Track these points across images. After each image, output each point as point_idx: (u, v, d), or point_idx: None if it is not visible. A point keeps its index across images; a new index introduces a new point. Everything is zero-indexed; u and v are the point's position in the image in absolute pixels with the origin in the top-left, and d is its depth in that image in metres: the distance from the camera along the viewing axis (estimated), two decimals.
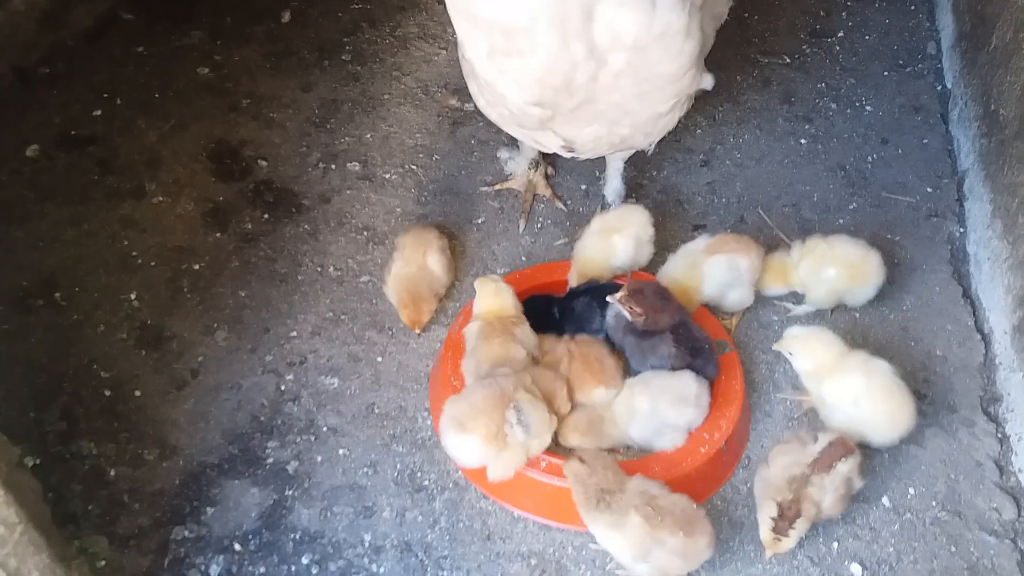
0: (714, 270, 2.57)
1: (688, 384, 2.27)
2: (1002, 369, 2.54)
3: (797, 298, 2.70)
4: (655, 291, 2.40)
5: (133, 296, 2.72)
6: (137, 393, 2.49)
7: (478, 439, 2.14)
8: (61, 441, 2.37)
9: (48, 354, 2.55)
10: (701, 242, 2.64)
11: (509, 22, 1.99)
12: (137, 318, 2.67)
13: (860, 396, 2.30)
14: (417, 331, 2.61)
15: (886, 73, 3.55)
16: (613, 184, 2.92)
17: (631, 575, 2.09)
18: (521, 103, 2.20)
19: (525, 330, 2.41)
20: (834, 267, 2.59)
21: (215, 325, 2.66)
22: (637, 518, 2.00)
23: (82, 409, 2.44)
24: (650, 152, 2.73)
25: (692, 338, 2.38)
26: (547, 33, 2.00)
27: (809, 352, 2.41)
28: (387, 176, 3.12)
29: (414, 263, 2.66)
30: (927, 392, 2.54)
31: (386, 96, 3.43)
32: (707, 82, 2.41)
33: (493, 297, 2.44)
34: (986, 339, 2.66)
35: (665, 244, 2.79)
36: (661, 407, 2.25)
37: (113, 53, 3.51)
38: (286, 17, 3.74)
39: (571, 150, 2.51)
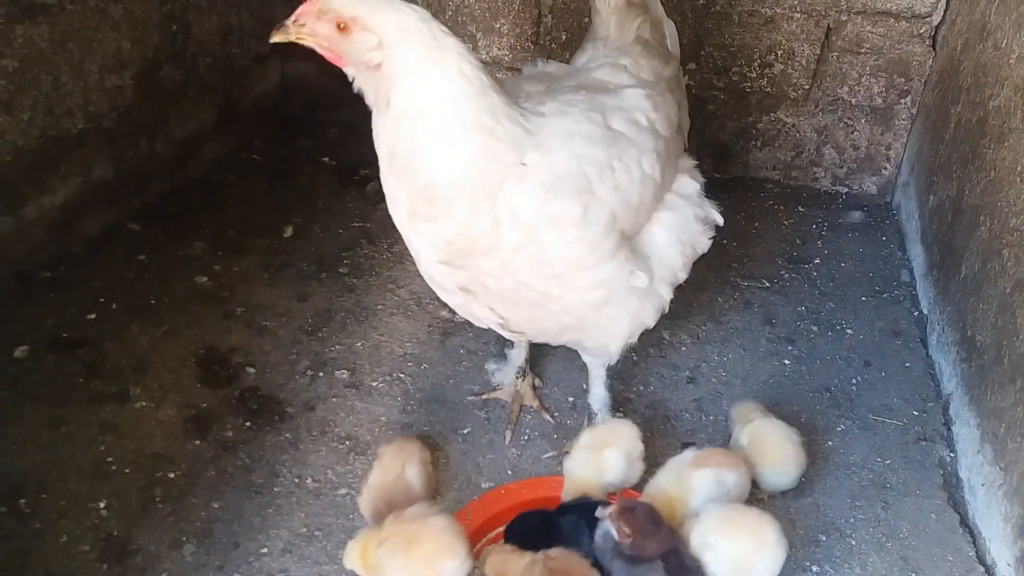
0: (701, 484, 2.51)
1: None
2: None
3: None
4: (646, 513, 2.32)
5: (102, 504, 2.62)
6: None
7: None
8: None
9: (1, 566, 2.41)
10: (688, 455, 2.60)
11: (436, 187, 2.14)
12: (103, 528, 2.55)
13: None
14: None
15: (864, 298, 3.66)
16: (596, 392, 2.91)
17: None
18: (431, 260, 2.31)
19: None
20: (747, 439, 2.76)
21: (184, 539, 2.54)
22: None
23: None
24: (614, 360, 2.73)
25: (684, 567, 2.27)
26: (462, 203, 2.14)
27: None
28: (374, 384, 3.12)
29: (392, 472, 2.59)
30: None
31: (379, 307, 3.50)
32: (640, 280, 2.43)
33: (357, 547, 2.35)
34: (989, 571, 2.55)
35: (654, 460, 2.74)
36: None
37: (116, 260, 3.63)
38: (288, 232, 3.90)
39: (510, 329, 2.54)
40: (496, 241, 2.20)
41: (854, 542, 2.63)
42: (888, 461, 2.91)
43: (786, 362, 3.32)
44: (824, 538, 2.64)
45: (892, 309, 3.60)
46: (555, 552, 2.30)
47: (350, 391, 3.10)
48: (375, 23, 2.07)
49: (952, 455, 2.93)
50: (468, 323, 3.34)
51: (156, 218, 3.89)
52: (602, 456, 2.60)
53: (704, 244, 2.68)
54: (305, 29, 2.11)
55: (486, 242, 2.20)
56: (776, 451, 2.73)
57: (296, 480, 2.74)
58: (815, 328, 3.49)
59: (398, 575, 2.25)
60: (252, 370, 3.15)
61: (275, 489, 2.71)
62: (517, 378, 3.07)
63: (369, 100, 2.19)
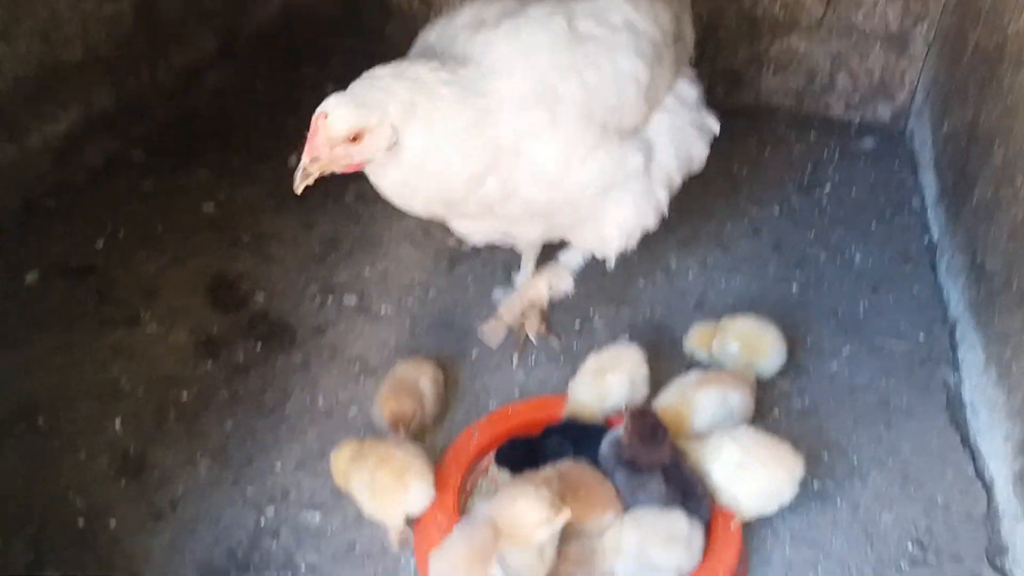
0: (705, 403, 2.54)
1: (679, 523, 2.19)
2: (1006, 519, 2.46)
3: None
4: (653, 425, 2.35)
5: (117, 424, 2.67)
6: (112, 523, 2.39)
7: None
8: (27, 572, 2.25)
9: (23, 481, 2.47)
10: (693, 375, 2.63)
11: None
12: (120, 446, 2.60)
13: None
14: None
15: (873, 225, 3.64)
16: (574, 256, 2.93)
17: None
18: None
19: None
20: (737, 342, 2.83)
21: (198, 455, 2.59)
22: None
23: (52, 539, 2.34)
24: (612, 261, 2.78)
25: (684, 479, 2.31)
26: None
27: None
28: (382, 309, 3.14)
29: (407, 382, 2.66)
30: (930, 541, 2.45)
31: (386, 235, 3.50)
32: (634, 161, 2.54)
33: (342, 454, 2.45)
34: (988, 487, 2.59)
35: (659, 385, 2.77)
36: (649, 546, 2.15)
37: (120, 189, 3.62)
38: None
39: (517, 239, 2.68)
40: (501, 184, 2.31)
41: (856, 460, 2.67)
42: (893, 383, 2.93)
43: (793, 287, 3.32)
44: (827, 456, 2.68)
45: (902, 235, 3.58)
46: (567, 465, 2.34)
47: (359, 316, 3.12)
48: (385, 118, 2.14)
49: (957, 378, 2.95)
50: (476, 251, 3.36)
51: (159, 147, 3.87)
52: (606, 380, 2.63)
53: (701, 152, 2.73)
54: (323, 163, 2.16)
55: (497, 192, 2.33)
56: (765, 337, 2.86)
57: (308, 400, 2.78)
58: (823, 254, 3.48)
59: (363, 490, 2.34)
60: (261, 296, 3.17)
61: (287, 409, 2.75)
62: (524, 302, 3.08)
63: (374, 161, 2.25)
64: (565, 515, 2.10)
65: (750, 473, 2.33)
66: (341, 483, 2.43)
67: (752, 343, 2.85)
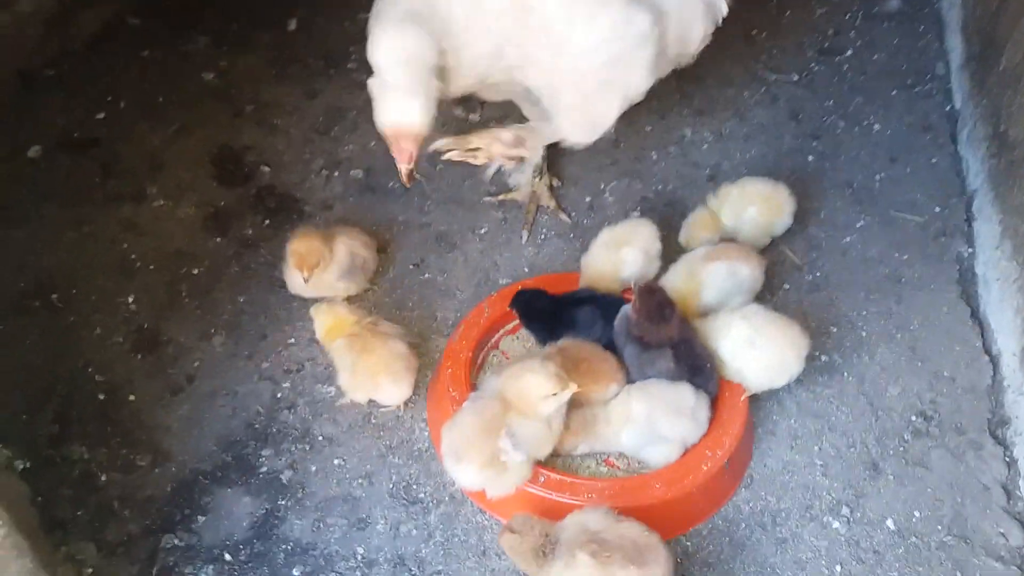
0: (713, 278, 2.53)
1: (686, 396, 2.23)
2: (1010, 391, 2.50)
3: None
4: (661, 301, 2.36)
5: (131, 300, 2.69)
6: (131, 398, 2.45)
7: (474, 467, 2.11)
8: (52, 445, 2.33)
9: (43, 356, 2.52)
10: (701, 250, 2.62)
11: None
12: (134, 322, 2.64)
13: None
14: (305, 274, 2.55)
15: (895, 92, 3.52)
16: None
17: None
18: None
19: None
20: (753, 205, 2.78)
21: (212, 330, 2.63)
22: (584, 557, 1.91)
23: (75, 412, 2.41)
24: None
25: (693, 355, 2.34)
26: None
27: None
28: (390, 184, 3.10)
29: (323, 234, 2.67)
30: (934, 413, 2.50)
31: None
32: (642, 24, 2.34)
33: (328, 315, 2.49)
34: (994, 361, 2.61)
35: (672, 259, 2.76)
36: (656, 416, 2.21)
37: (118, 57, 3.51)
38: (292, 25, 3.73)
39: None
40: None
41: (864, 333, 2.69)
42: (905, 256, 2.91)
43: (809, 158, 3.24)
44: (835, 329, 2.70)
45: (923, 103, 3.46)
46: (567, 342, 2.36)
47: (366, 191, 3.08)
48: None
49: (970, 251, 2.93)
50: (484, 123, 3.27)
51: (155, 12, 3.71)
52: (620, 254, 2.61)
53: (699, 33, 2.55)
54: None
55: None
56: (779, 195, 2.83)
57: None
58: (842, 123, 3.38)
59: (344, 374, 2.40)
60: (267, 169, 3.13)
61: None
62: (534, 178, 3.03)
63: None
64: (571, 388, 2.13)
65: (759, 351, 2.35)
66: (321, 339, 2.50)
67: (770, 203, 2.81)
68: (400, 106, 2.16)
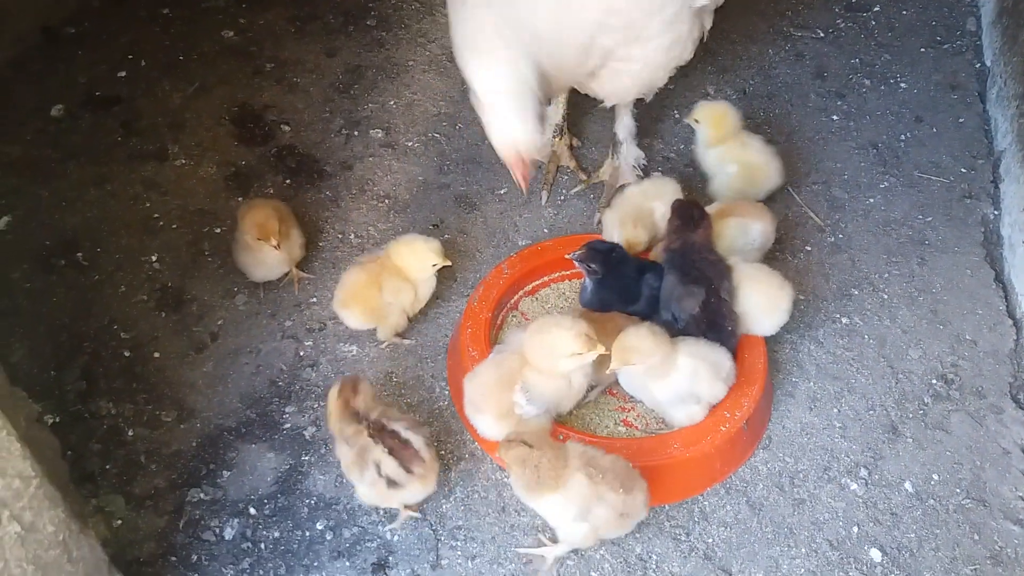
0: (725, 233, 2.52)
1: (724, 360, 2.24)
2: None
3: None
4: (693, 207, 2.46)
5: (154, 258, 2.72)
6: (156, 355, 2.49)
7: (491, 418, 2.17)
8: (80, 400, 2.38)
9: (69, 313, 2.56)
10: (714, 206, 2.61)
11: None
12: (158, 280, 2.67)
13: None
14: (274, 242, 2.52)
15: (923, 49, 3.45)
16: (624, 121, 2.90)
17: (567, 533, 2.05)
18: None
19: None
20: (736, 165, 2.77)
21: (235, 289, 2.65)
22: (580, 476, 1.97)
23: (102, 369, 2.45)
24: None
25: (718, 312, 2.33)
26: None
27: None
28: (409, 144, 3.09)
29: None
30: (955, 377, 2.49)
31: (411, 63, 3.38)
32: None
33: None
34: (1017, 325, 2.59)
35: None
36: (699, 375, 2.21)
37: (139, 14, 3.50)
38: None
39: None
40: None
41: (886, 296, 2.67)
42: (929, 218, 2.88)
43: (834, 117, 3.20)
44: (856, 292, 2.68)
45: (952, 61, 3.39)
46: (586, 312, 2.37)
47: (386, 151, 3.08)
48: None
49: (996, 213, 2.89)
50: None
51: None
52: (652, 205, 2.62)
53: None
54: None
55: None
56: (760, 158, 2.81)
57: (340, 235, 2.80)
58: (868, 81, 3.32)
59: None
60: (287, 128, 3.13)
61: (320, 244, 2.78)
62: (554, 137, 3.01)
63: None
64: (598, 351, 2.14)
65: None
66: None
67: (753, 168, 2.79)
68: (512, 128, 2.25)
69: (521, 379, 2.17)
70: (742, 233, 2.55)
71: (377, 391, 2.42)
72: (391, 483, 2.04)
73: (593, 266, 2.36)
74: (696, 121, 2.81)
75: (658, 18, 2.33)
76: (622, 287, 2.40)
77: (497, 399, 2.16)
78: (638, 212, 2.61)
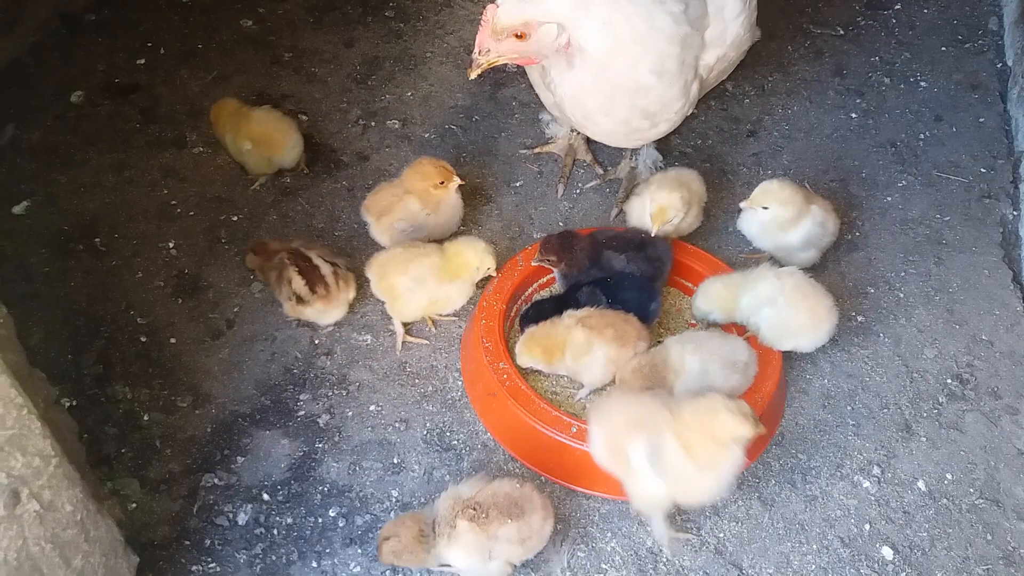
0: (807, 220, 2.54)
1: (739, 350, 2.24)
2: None
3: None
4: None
5: (171, 244, 2.73)
6: (172, 340, 2.51)
7: (605, 449, 2.04)
8: (97, 384, 2.39)
9: (87, 298, 2.58)
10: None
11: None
12: (175, 266, 2.68)
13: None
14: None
15: (944, 48, 3.43)
16: (648, 152, 2.91)
17: None
18: None
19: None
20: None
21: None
22: (463, 523, 1.95)
23: (118, 354, 2.46)
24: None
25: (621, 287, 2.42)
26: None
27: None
28: (426, 135, 3.09)
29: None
30: (970, 377, 2.48)
31: (428, 54, 3.39)
32: None
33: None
34: None
35: (709, 213, 2.75)
36: (711, 368, 2.21)
37: (158, 2, 3.52)
38: None
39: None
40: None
41: (902, 295, 2.66)
42: (947, 218, 2.87)
43: (853, 115, 3.19)
44: (872, 290, 2.67)
45: (973, 60, 3.37)
46: (585, 312, 2.34)
47: (402, 142, 3.08)
48: (548, 15, 2.24)
49: (1015, 213, 2.87)
50: (520, 73, 3.24)
51: None
52: (674, 196, 2.57)
53: None
54: (492, 55, 2.31)
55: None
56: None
57: (355, 226, 2.81)
58: (887, 80, 3.31)
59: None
60: (304, 118, 3.14)
61: (336, 233, 2.79)
62: (572, 131, 3.01)
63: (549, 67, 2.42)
64: (760, 430, 1.95)
65: (778, 310, 2.35)
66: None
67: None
68: None
69: (651, 438, 1.98)
70: (819, 225, 2.55)
71: (391, 379, 2.45)
72: (299, 300, 2.43)
73: (551, 257, 2.45)
74: (765, 208, 2.55)
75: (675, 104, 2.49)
76: (586, 265, 2.46)
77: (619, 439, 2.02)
78: (678, 179, 2.61)
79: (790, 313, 2.34)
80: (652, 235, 2.50)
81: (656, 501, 2.02)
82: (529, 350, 2.31)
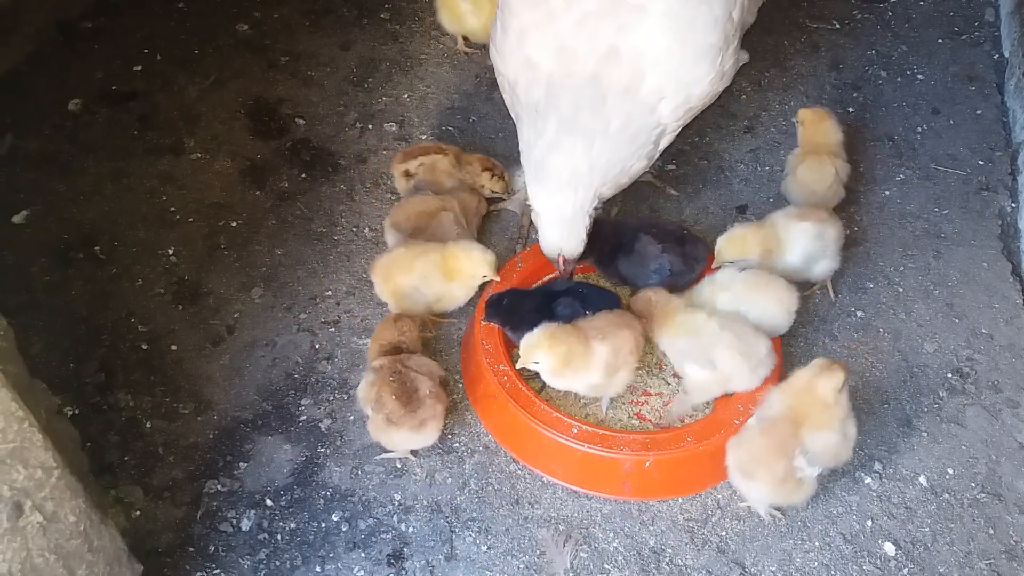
0: (801, 239, 2.51)
1: (760, 346, 2.25)
2: None
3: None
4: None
5: (171, 251, 2.74)
6: (173, 347, 2.51)
7: (766, 486, 2.10)
8: (99, 392, 2.40)
9: (87, 307, 2.59)
10: (792, 209, 2.60)
11: None
12: (175, 273, 2.69)
13: None
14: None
15: (940, 40, 3.42)
16: None
17: None
18: None
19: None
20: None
21: (251, 282, 2.67)
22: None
23: (120, 362, 2.47)
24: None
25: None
26: None
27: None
28: (424, 137, 3.10)
29: None
30: (970, 370, 2.48)
31: (424, 56, 3.39)
32: None
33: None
34: None
35: (705, 211, 2.75)
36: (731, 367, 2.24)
37: (155, 8, 3.51)
38: None
39: None
40: None
41: (901, 289, 2.66)
42: (946, 211, 2.87)
43: (850, 109, 3.18)
44: (871, 285, 2.68)
45: (970, 52, 3.37)
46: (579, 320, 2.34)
47: (400, 144, 3.08)
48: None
49: (1013, 205, 2.87)
50: None
51: None
52: None
53: None
54: (572, 263, 2.50)
55: None
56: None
57: (354, 229, 2.81)
58: (884, 73, 3.30)
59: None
60: (302, 122, 3.14)
61: (335, 237, 2.79)
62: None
63: None
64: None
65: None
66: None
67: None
68: (560, 240, 2.39)
69: (799, 444, 2.07)
70: (817, 239, 2.51)
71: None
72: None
73: (496, 321, 2.39)
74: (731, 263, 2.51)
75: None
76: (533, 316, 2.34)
77: (771, 467, 2.07)
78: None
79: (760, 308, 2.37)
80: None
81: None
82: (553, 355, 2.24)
